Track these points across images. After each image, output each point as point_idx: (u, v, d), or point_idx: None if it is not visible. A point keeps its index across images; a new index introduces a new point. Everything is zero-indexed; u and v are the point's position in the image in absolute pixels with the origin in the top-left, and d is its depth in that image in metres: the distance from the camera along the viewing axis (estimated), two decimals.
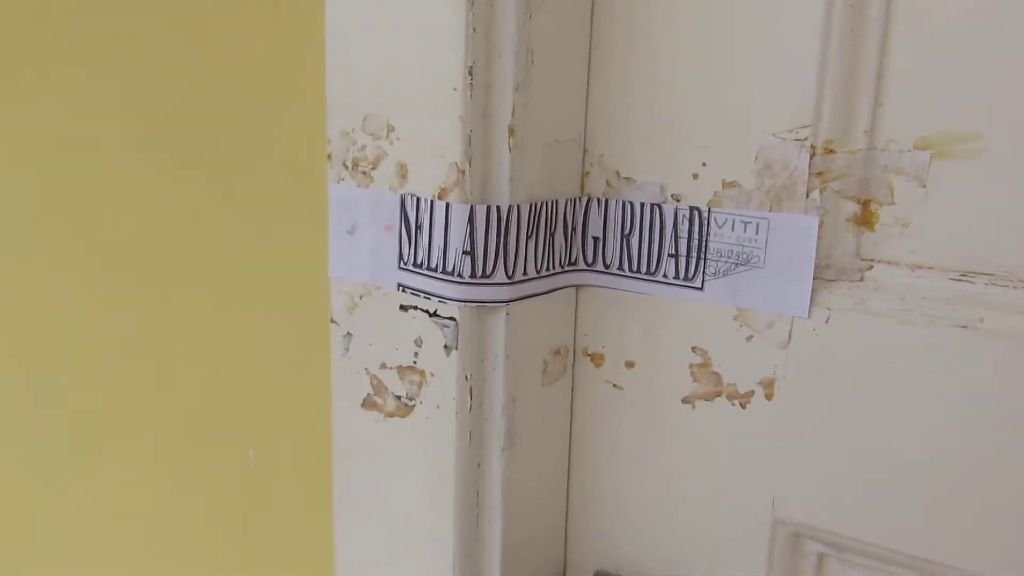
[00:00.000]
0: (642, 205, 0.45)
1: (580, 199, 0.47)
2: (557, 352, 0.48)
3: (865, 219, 0.41)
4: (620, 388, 0.49)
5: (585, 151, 0.47)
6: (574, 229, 0.47)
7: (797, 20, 0.39)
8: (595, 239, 0.47)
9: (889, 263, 0.40)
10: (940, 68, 0.37)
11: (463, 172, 0.41)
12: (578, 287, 0.49)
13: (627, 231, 0.46)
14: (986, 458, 0.38)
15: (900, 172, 0.39)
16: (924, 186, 0.39)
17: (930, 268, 0.39)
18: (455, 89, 0.40)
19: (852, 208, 0.41)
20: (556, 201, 0.45)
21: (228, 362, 0.59)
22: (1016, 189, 0.37)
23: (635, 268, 0.46)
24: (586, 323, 0.49)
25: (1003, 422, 0.37)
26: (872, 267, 0.41)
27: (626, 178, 0.46)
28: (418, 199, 0.43)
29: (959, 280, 0.38)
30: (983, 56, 0.36)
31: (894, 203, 0.40)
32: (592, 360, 0.50)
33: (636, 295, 0.47)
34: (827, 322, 0.41)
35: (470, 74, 0.40)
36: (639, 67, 0.44)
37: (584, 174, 0.47)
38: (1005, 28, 0.36)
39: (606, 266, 0.47)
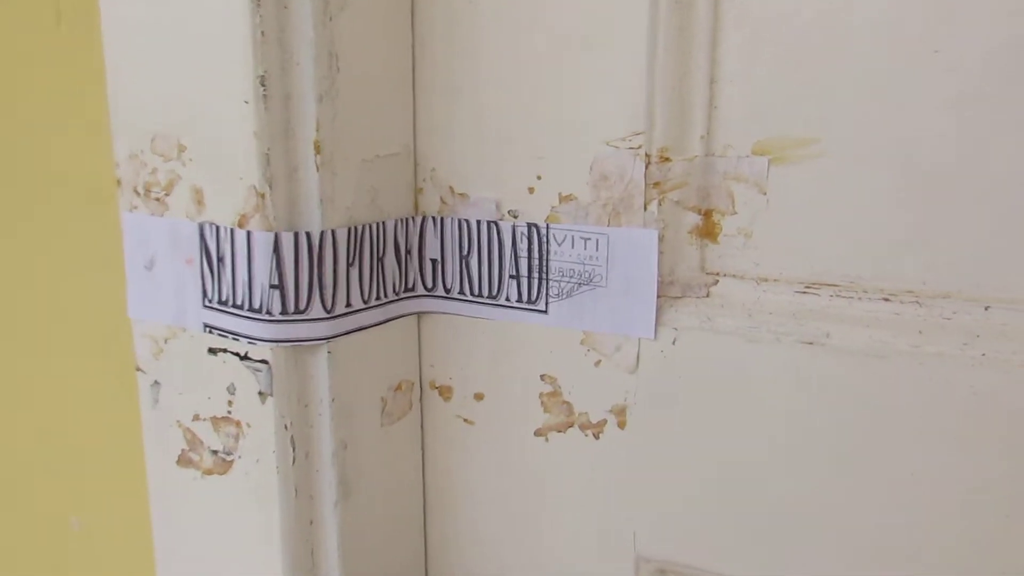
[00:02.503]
0: (479, 223, 0.41)
1: (414, 219, 0.43)
2: (398, 388, 0.44)
3: (708, 230, 0.38)
4: (471, 423, 0.45)
5: (417, 166, 0.43)
6: (409, 252, 0.43)
7: (623, 20, 0.36)
8: (433, 262, 0.43)
9: (735, 276, 0.38)
10: (772, 69, 0.35)
11: (263, 196, 0.36)
12: (420, 315, 0.45)
13: (465, 252, 0.42)
14: (842, 481, 0.35)
15: (740, 179, 0.37)
16: (764, 193, 0.36)
17: (776, 280, 0.37)
18: (246, 102, 0.35)
19: (693, 219, 0.38)
20: (383, 223, 0.41)
21: (39, 417, 0.52)
22: (854, 195, 0.34)
23: (476, 292, 0.42)
24: (431, 354, 0.45)
25: (855, 444, 0.35)
26: (718, 282, 0.38)
27: (460, 194, 0.42)
28: (217, 228, 0.38)
29: (804, 292, 0.36)
30: (815, 56, 0.34)
31: (736, 212, 0.37)
32: (440, 393, 0.45)
33: (480, 321, 0.43)
34: (674, 343, 0.38)
35: (262, 84, 0.35)
36: (464, 73, 0.40)
37: (417, 191, 0.43)
38: (835, 27, 0.33)
39: (447, 291, 0.43)
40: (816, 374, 0.35)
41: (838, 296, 0.35)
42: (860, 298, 0.35)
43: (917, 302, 0.34)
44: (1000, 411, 0.32)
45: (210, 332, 0.39)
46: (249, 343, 0.38)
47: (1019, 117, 0.31)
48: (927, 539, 0.34)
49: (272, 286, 0.37)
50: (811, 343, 0.35)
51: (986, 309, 0.32)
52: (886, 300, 0.34)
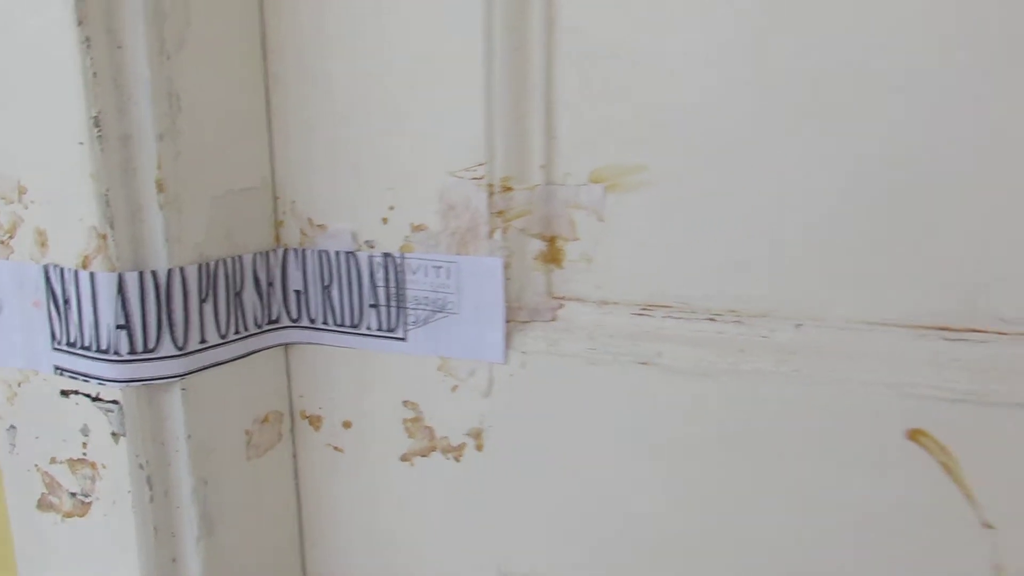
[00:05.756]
0: (337, 254, 0.42)
1: (275, 251, 0.43)
2: (265, 420, 0.44)
3: (553, 256, 0.39)
4: (340, 450, 0.45)
5: (277, 199, 0.43)
6: (271, 284, 0.43)
7: (458, 50, 0.37)
8: (297, 293, 0.44)
9: (579, 300, 0.39)
10: (603, 97, 0.36)
11: (104, 237, 0.36)
12: (288, 345, 0.45)
13: (327, 282, 0.43)
14: (684, 497, 0.37)
15: (579, 207, 0.38)
16: (602, 220, 0.38)
17: (615, 303, 0.38)
18: (81, 143, 0.35)
19: (538, 246, 0.39)
20: (239, 257, 0.41)
21: None
22: (681, 220, 0.36)
23: (339, 321, 0.43)
24: (301, 383, 0.45)
25: (685, 458, 0.36)
26: (563, 306, 0.39)
27: (319, 225, 0.42)
28: (62, 269, 0.37)
29: (640, 315, 0.37)
30: (642, 83, 0.36)
31: (578, 238, 0.38)
32: (311, 423, 0.46)
33: (345, 350, 0.43)
34: (523, 367, 0.39)
35: (96, 125, 0.35)
36: (318, 104, 0.41)
37: (278, 224, 0.43)
38: (661, 54, 0.35)
39: (311, 321, 0.44)
40: (650, 393, 0.36)
41: (670, 317, 0.37)
42: (689, 319, 0.36)
43: (739, 321, 0.35)
44: (807, 423, 0.34)
45: (61, 374, 0.39)
46: (99, 384, 0.38)
47: (824, 150, 0.33)
48: (759, 549, 0.36)
49: (119, 326, 0.37)
50: (645, 363, 0.36)
51: (797, 327, 0.34)
52: (711, 320, 0.36)
